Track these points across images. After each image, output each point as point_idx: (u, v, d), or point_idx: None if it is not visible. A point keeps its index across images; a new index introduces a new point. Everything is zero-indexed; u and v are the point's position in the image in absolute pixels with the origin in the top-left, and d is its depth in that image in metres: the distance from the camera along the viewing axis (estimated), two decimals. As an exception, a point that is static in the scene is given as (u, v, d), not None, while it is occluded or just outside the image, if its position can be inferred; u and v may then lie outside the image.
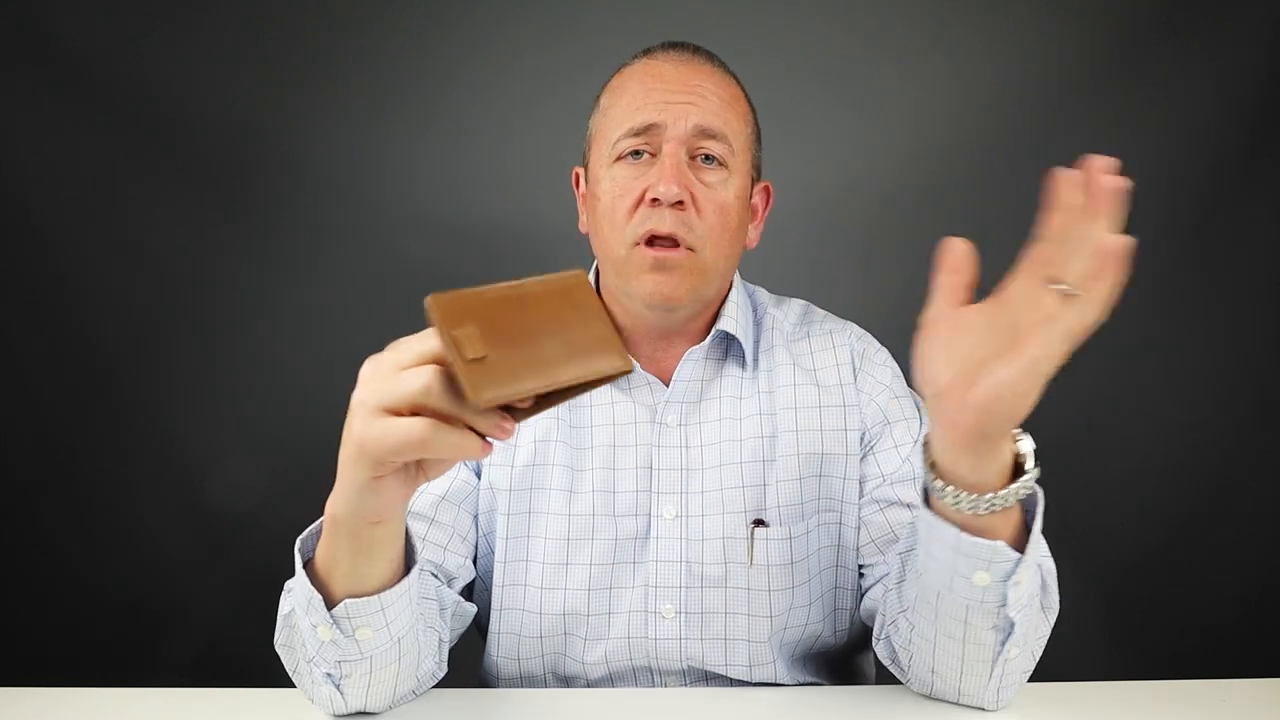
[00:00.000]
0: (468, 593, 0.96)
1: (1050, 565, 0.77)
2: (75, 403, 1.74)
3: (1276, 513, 1.72)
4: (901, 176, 1.74)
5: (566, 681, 0.95)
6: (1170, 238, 1.69)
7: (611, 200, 0.91)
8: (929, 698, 0.82)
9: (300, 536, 0.71)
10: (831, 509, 0.95)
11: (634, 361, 0.85)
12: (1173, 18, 1.69)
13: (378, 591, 0.69)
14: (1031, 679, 0.80)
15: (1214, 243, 1.70)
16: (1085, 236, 0.56)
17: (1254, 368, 1.72)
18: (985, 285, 0.63)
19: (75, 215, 1.71)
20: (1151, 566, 1.73)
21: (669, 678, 0.94)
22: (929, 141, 1.74)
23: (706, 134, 0.91)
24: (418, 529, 0.90)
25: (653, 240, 0.89)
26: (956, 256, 0.61)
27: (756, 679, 0.93)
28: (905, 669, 0.83)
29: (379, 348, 0.59)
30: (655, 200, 0.88)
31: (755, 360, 0.99)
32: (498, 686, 0.97)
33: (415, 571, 0.72)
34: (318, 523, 0.69)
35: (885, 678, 0.89)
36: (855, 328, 1.03)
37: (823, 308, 1.06)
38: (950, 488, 0.66)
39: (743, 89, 0.98)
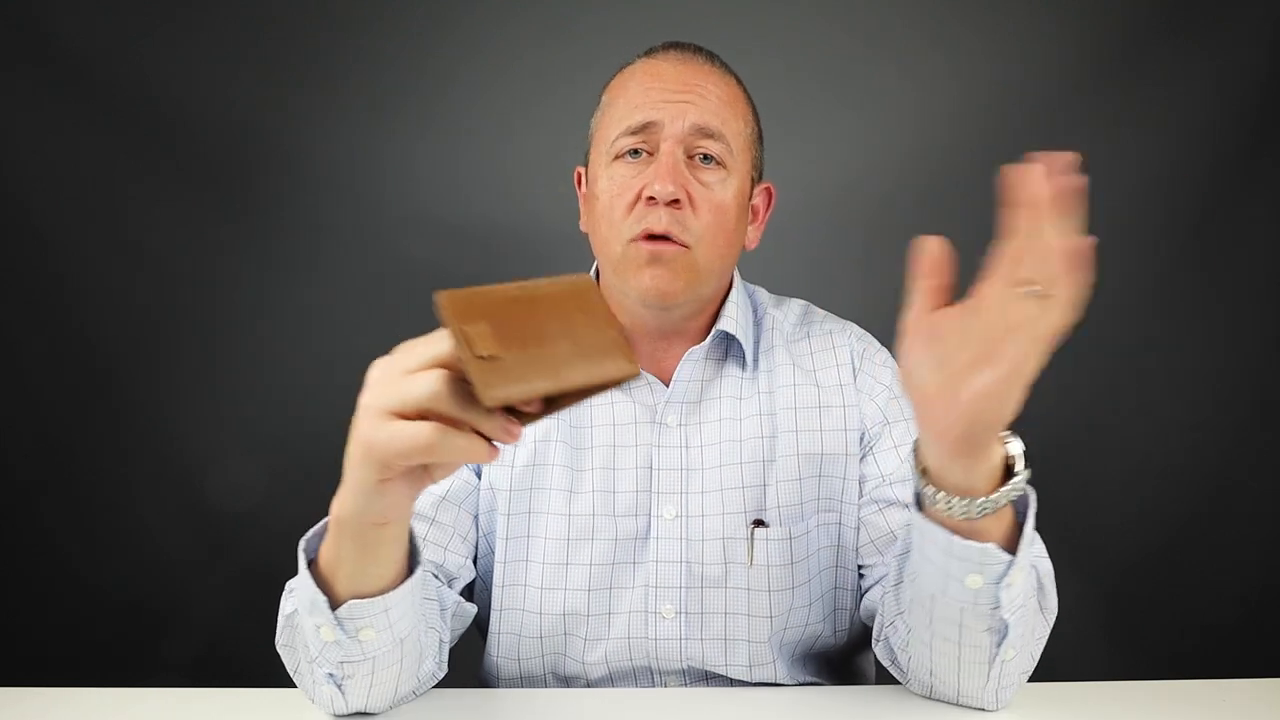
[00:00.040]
0: (468, 593, 0.96)
1: (1047, 566, 0.77)
2: (75, 403, 1.74)
3: (1276, 513, 1.72)
4: (901, 176, 1.74)
5: (566, 682, 0.95)
6: (1170, 238, 1.69)
7: (609, 198, 0.91)
8: (929, 698, 0.82)
9: (304, 537, 0.71)
10: (831, 509, 0.95)
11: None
12: (1173, 18, 1.69)
13: (382, 592, 0.69)
14: (1031, 679, 0.80)
15: (1214, 243, 1.70)
16: (1047, 236, 0.56)
17: (1254, 368, 1.72)
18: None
19: (75, 215, 1.71)
20: (1151, 566, 1.73)
21: (669, 678, 0.94)
22: (929, 141, 1.74)
23: (704, 133, 0.90)
24: (418, 529, 0.89)
25: (649, 238, 0.89)
26: (932, 259, 0.61)
27: (756, 679, 0.93)
28: (904, 670, 0.82)
29: (379, 348, 0.59)
30: (652, 199, 0.88)
31: (755, 360, 0.99)
32: (498, 687, 0.97)
33: (419, 572, 0.72)
34: (321, 523, 0.70)
35: (885, 678, 0.89)
36: (855, 328, 1.03)
37: (823, 308, 1.06)
38: (941, 493, 0.66)
39: (744, 89, 0.97)
